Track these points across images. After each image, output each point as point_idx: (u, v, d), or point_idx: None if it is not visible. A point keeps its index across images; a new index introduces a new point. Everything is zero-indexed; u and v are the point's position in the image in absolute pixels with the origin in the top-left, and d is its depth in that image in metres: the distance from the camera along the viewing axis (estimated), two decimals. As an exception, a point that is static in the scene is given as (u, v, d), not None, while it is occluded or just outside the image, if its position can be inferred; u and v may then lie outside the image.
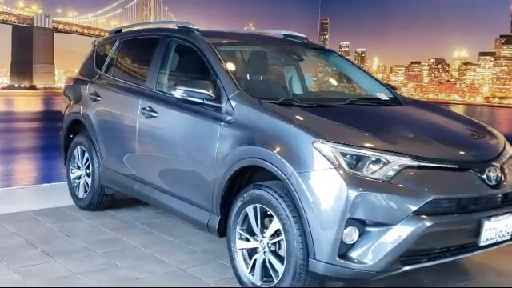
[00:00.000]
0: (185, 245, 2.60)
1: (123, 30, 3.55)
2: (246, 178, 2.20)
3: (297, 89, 3.09)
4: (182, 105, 2.44)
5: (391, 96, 2.74)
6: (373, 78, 3.03)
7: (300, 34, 3.18)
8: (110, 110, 3.13)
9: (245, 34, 3.36)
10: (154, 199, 2.73)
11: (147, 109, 2.72)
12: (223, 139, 2.23)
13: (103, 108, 3.18)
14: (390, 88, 2.91)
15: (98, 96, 3.22)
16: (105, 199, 3.29)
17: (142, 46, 3.30)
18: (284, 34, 3.17)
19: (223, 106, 2.28)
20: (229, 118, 2.24)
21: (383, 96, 2.69)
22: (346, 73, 3.17)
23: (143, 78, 3.00)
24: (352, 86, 3.25)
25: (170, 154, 2.60)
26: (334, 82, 3.54)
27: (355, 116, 2.24)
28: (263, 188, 2.02)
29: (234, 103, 2.25)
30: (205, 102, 2.31)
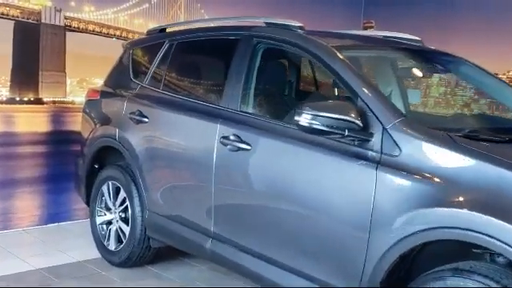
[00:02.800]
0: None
1: (168, 30, 3.72)
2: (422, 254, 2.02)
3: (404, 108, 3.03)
4: (299, 135, 2.36)
5: None
6: None
7: (413, 37, 3.25)
8: (165, 136, 3.19)
9: (359, 36, 3.37)
10: (243, 267, 2.67)
11: (231, 138, 2.69)
12: (384, 191, 2.07)
13: (154, 133, 3.25)
14: None
15: (144, 117, 3.28)
16: (147, 253, 3.38)
17: (210, 51, 3.43)
18: (391, 36, 3.20)
19: (375, 139, 2.15)
20: (389, 158, 2.09)
21: None
22: (484, 88, 3.15)
23: (217, 95, 3.06)
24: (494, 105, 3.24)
25: (276, 206, 2.52)
26: (468, 100, 3.60)
27: None
28: None
29: (397, 136, 2.11)
30: (347, 133, 2.16)
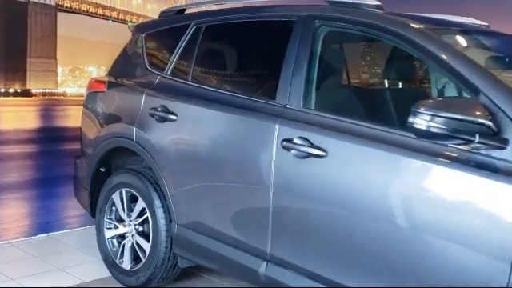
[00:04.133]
0: None
1: (188, 11, 3.76)
2: None
3: None
4: (399, 142, 2.26)
5: None
6: None
7: (480, 22, 3.29)
8: (202, 137, 3.15)
9: (438, 19, 3.25)
10: None
11: (297, 141, 2.61)
12: None
13: (186, 134, 3.23)
14: None
15: (171, 113, 3.25)
16: (172, 274, 3.39)
17: (253, 36, 3.39)
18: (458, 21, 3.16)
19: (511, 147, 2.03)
20: None
21: None
22: None
23: (268, 89, 3.01)
24: None
25: (363, 227, 2.41)
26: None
27: None
28: None
29: None
30: (477, 139, 2.03)
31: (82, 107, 4.13)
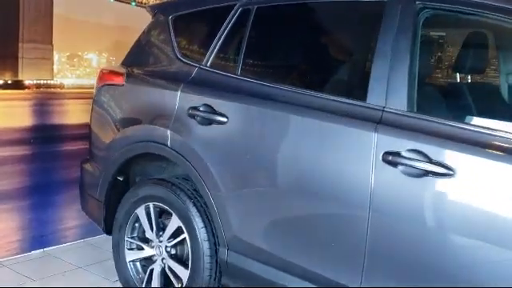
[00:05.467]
0: None
1: None
2: None
3: None
4: None
5: None
6: None
7: None
8: (266, 145, 3.06)
9: None
10: None
11: (406, 155, 2.52)
12: None
13: (242, 140, 3.15)
14: None
15: (220, 114, 3.19)
16: None
17: (325, 20, 3.31)
18: None
19: None
20: None
21: None
22: None
23: (358, 87, 2.96)
24: None
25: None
26: None
27: None
28: None
29: None
30: None
31: (80, 101, 4.17)
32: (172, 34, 3.68)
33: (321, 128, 2.86)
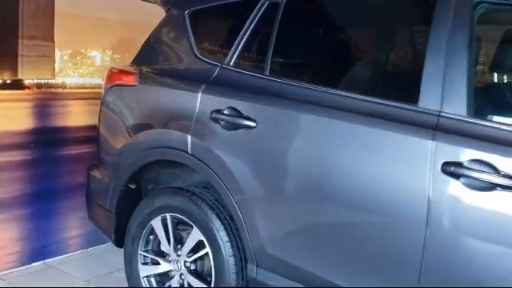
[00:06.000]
0: None
1: None
2: None
3: None
4: None
5: None
6: None
7: None
8: (302, 152, 2.96)
9: None
10: None
11: (472, 167, 2.44)
12: None
13: (274, 147, 3.05)
14: None
15: (247, 118, 3.11)
16: None
17: (365, 15, 3.23)
18: None
19: None
20: None
21: None
22: None
23: (407, 89, 2.85)
24: None
25: None
26: None
27: None
28: None
29: None
30: None
31: (83, 102, 4.12)
32: (189, 30, 3.62)
33: (367, 135, 2.77)
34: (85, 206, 4.27)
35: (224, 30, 3.71)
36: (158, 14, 4.11)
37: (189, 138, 3.34)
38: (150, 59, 3.85)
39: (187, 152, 3.34)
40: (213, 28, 3.77)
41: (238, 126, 3.16)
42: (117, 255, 5.04)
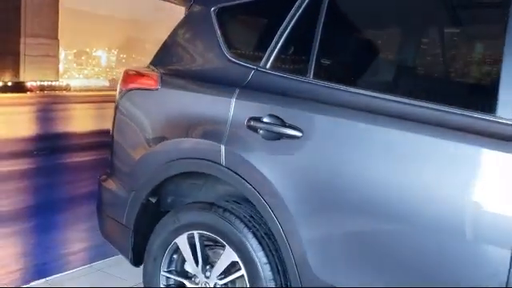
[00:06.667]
0: None
1: None
2: None
3: None
4: None
5: None
6: None
7: None
8: (361, 167, 2.81)
9: None
10: None
11: None
12: None
13: (326, 160, 2.90)
14: None
15: (291, 127, 2.95)
16: None
17: (432, 10, 3.07)
18: None
19: None
20: None
21: None
22: None
23: (483, 96, 2.76)
24: None
25: None
26: None
27: None
28: None
29: None
30: None
31: (88, 105, 3.93)
32: (217, 29, 3.48)
33: (440, 148, 2.63)
34: (89, 216, 4.17)
35: (257, 28, 3.62)
36: (164, 10, 3.98)
37: (223, 148, 3.21)
38: (171, 61, 3.75)
39: (220, 164, 3.22)
40: (244, 26, 3.71)
41: (280, 136, 3.02)
42: (124, 270, 5.14)
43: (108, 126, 4.10)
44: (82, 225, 8.12)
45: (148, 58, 3.99)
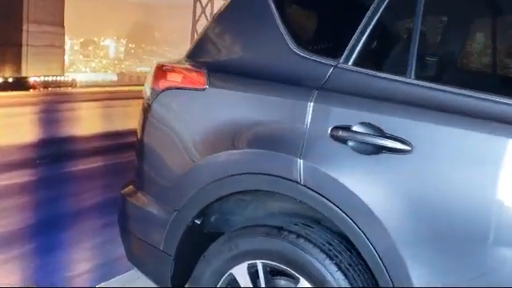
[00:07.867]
0: None
1: None
2: None
3: None
4: None
5: None
6: None
7: None
8: (494, 190, 2.54)
9: None
10: None
11: None
12: None
13: (449, 181, 2.64)
14: None
15: (394, 139, 2.71)
16: None
17: None
18: None
19: None
20: None
21: None
22: None
23: None
24: None
25: None
26: None
27: None
28: None
29: None
30: None
31: (96, 104, 3.64)
32: (277, 16, 3.23)
33: None
34: (94, 232, 3.87)
35: (332, 16, 3.29)
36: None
37: (300, 162, 2.97)
38: (217, 54, 3.54)
39: (299, 182, 2.98)
40: (313, 14, 3.43)
41: (377, 150, 2.78)
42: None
43: (116, 127, 4.19)
44: (88, 242, 8.41)
45: (159, 48, 3.64)
